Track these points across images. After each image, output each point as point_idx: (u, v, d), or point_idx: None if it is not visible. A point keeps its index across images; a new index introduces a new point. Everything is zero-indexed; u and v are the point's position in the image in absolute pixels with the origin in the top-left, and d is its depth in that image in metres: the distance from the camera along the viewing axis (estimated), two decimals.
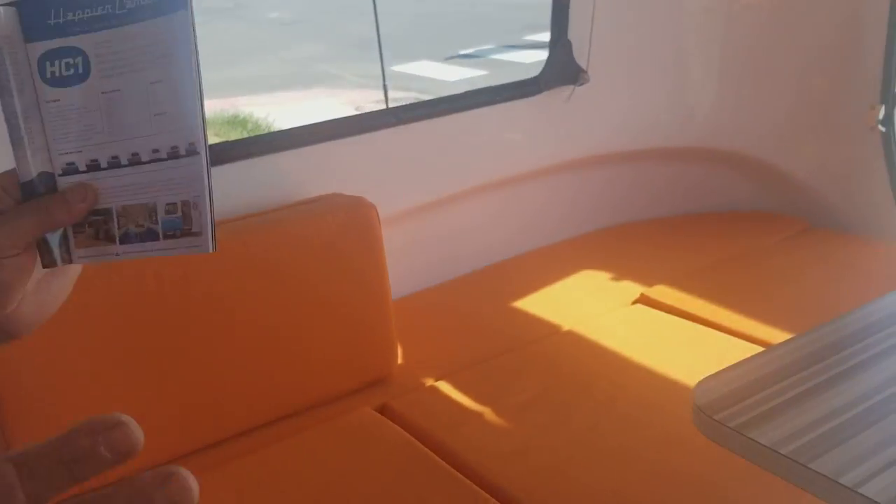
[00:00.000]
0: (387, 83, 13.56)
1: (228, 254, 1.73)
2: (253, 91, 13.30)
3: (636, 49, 2.53)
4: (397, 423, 1.79)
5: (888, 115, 2.45)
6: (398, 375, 2.00)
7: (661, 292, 2.25)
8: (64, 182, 0.59)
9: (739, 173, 2.72)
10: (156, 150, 0.56)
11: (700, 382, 1.19)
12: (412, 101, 10.24)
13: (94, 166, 0.58)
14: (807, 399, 1.15)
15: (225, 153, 1.94)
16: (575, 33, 2.36)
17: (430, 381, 1.96)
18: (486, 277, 2.42)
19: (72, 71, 0.57)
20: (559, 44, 2.35)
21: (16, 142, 0.57)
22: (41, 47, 0.57)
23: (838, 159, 2.59)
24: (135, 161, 0.57)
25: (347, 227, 1.87)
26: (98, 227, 0.58)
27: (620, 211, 2.66)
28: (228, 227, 1.78)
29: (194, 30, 0.56)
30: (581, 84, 2.39)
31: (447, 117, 2.28)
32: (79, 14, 0.57)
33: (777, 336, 1.86)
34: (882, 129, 2.44)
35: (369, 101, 11.60)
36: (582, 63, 2.38)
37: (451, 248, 2.41)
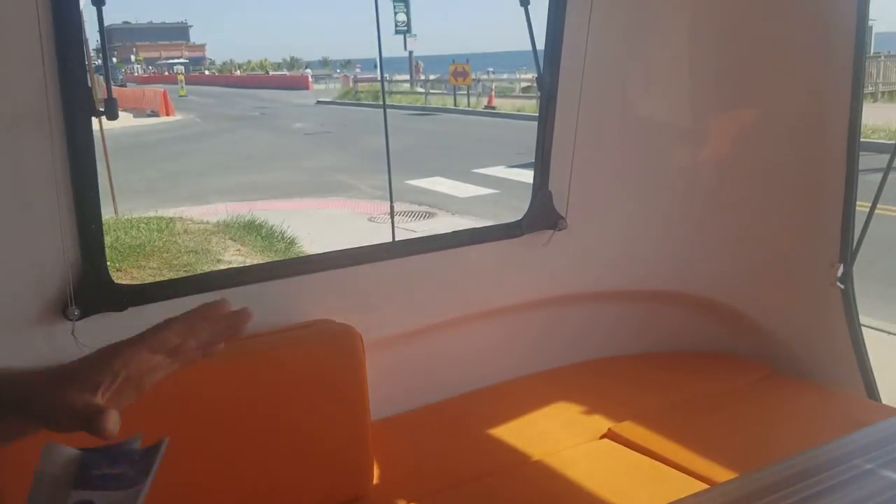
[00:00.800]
0: (403, 196, 13.98)
1: (219, 374, 1.90)
2: (272, 196, 13.79)
3: (612, 199, 2.76)
4: None
5: (847, 273, 2.62)
6: (372, 495, 2.12)
7: (628, 429, 2.38)
8: None
9: (708, 316, 2.88)
10: None
11: None
12: (424, 213, 10.47)
13: None
14: None
15: (228, 279, 2.15)
16: (555, 183, 2.60)
17: (402, 503, 2.07)
18: (463, 404, 2.56)
19: None
20: (541, 192, 2.59)
21: None
22: (77, 496, 0.59)
23: (802, 310, 2.76)
24: None
25: (333, 354, 2.04)
26: None
27: (593, 347, 2.82)
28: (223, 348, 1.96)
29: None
30: (560, 230, 2.61)
31: (435, 253, 2.49)
32: (112, 469, 0.60)
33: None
34: (841, 286, 2.62)
35: (381, 212, 12.01)
36: (561, 210, 2.61)
37: (432, 373, 2.56)
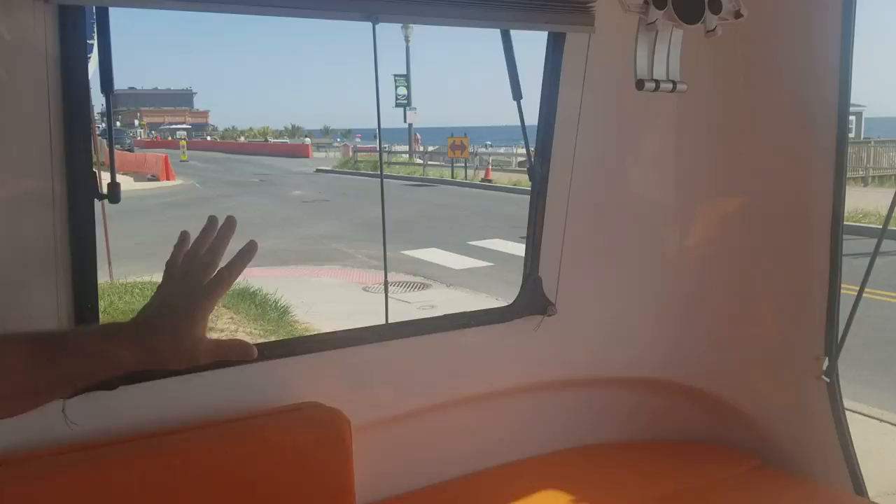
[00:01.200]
0: (398, 266, 14.00)
1: (206, 457, 1.91)
2: (267, 263, 13.84)
3: (601, 286, 2.81)
4: None
5: (832, 367, 2.64)
6: None
7: None
8: None
9: (696, 405, 2.89)
10: None
11: None
12: (418, 284, 10.48)
13: None
14: None
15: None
16: (545, 270, 2.65)
17: None
18: (449, 490, 2.54)
19: None
20: (531, 278, 2.64)
21: None
22: None
23: (788, 402, 2.77)
24: None
25: (320, 440, 2.05)
26: None
27: (581, 434, 2.81)
28: (212, 430, 1.97)
29: None
30: (549, 315, 2.64)
31: (426, 336, 2.52)
32: None
33: None
34: (826, 379, 2.63)
35: (375, 281, 12.04)
36: (551, 296, 2.65)
37: (419, 458, 2.54)
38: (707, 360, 2.86)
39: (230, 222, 1.27)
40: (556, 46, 2.45)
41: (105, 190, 1.87)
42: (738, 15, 1.98)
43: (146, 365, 1.16)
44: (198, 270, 1.20)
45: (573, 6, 2.30)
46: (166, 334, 1.14)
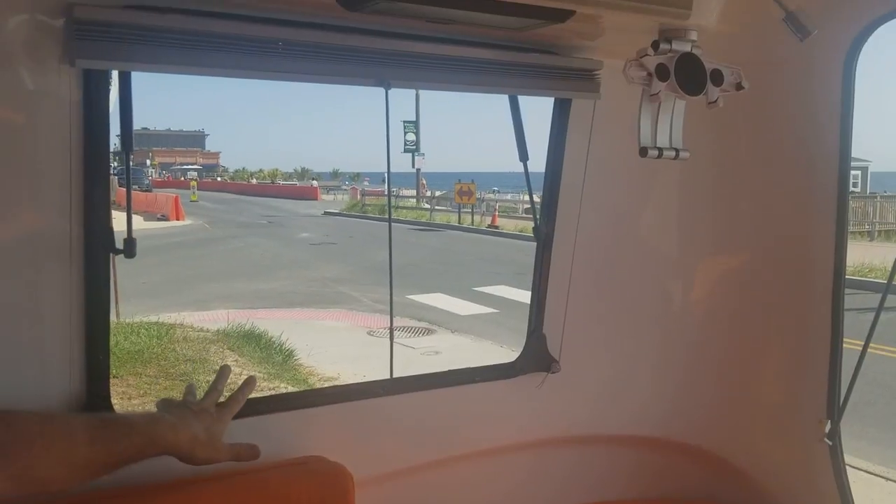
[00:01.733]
0: (404, 311, 13.97)
1: None
2: (274, 305, 13.89)
3: (604, 344, 2.83)
4: None
5: (834, 430, 2.64)
6: None
7: None
8: None
9: (697, 464, 2.89)
10: None
11: None
12: (423, 329, 10.50)
13: None
14: None
15: None
16: (549, 327, 2.68)
17: None
18: None
19: None
20: (535, 335, 2.67)
21: None
22: None
23: (790, 463, 2.76)
24: None
25: (324, 494, 2.07)
26: None
27: (581, 491, 2.79)
28: (215, 483, 1.98)
29: None
30: (553, 372, 2.67)
31: (430, 391, 2.54)
32: None
33: None
34: (829, 443, 2.63)
35: (380, 325, 12.05)
36: (554, 353, 2.68)
37: None
38: (708, 418, 2.87)
39: (251, 382, 1.89)
40: (562, 111, 2.52)
41: (121, 245, 1.93)
42: (739, 87, 2.04)
43: (180, 450, 1.50)
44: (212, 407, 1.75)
45: (580, 74, 2.37)
46: (202, 426, 1.57)
